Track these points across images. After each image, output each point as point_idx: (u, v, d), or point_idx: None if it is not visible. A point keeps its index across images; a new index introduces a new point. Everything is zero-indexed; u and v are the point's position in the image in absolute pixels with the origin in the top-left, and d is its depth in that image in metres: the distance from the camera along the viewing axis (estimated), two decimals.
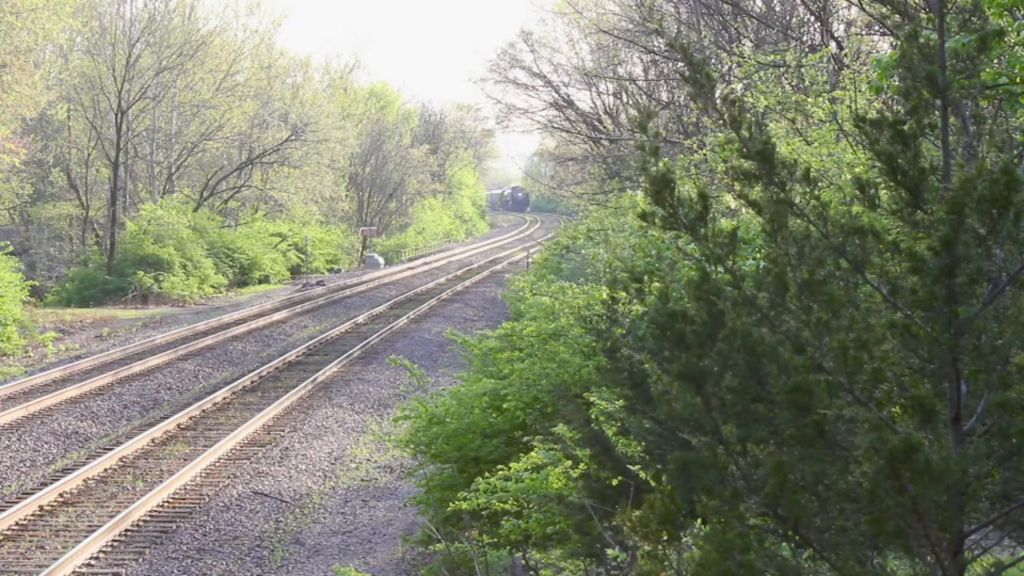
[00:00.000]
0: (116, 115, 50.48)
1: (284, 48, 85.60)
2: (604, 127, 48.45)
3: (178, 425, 21.59)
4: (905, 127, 4.00)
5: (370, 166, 79.56)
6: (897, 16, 4.69)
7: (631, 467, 6.77)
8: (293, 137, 60.80)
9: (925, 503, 4.03)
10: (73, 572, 13.80)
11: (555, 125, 54.15)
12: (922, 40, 4.09)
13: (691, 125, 30.19)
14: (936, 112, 4.12)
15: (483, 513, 10.77)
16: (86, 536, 14.86)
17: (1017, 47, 7.73)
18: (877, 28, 19.53)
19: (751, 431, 4.45)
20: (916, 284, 3.99)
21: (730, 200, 10.87)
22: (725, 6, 27.91)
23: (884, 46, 19.87)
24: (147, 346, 30.46)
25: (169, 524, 15.98)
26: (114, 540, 15.03)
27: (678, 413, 4.52)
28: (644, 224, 4.67)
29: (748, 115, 4.31)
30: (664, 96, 39.69)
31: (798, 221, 4.30)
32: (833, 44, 22.64)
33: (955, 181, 3.85)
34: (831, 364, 4.23)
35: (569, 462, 8.76)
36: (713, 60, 26.50)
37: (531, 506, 9.92)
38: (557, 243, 38.41)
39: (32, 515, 15.96)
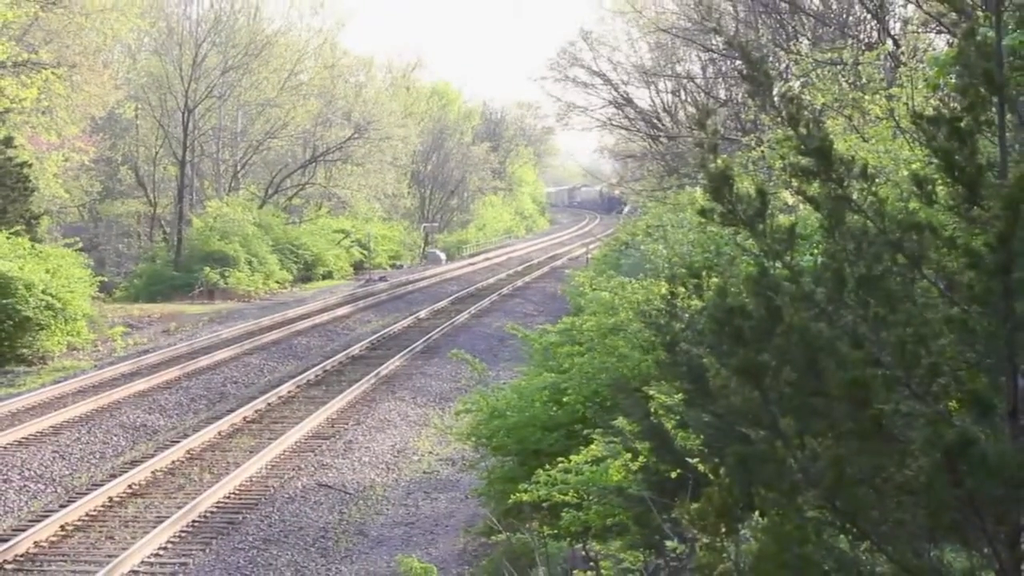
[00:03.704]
0: (183, 114, 51.14)
1: (347, 48, 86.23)
2: (662, 124, 48.33)
3: (244, 418, 21.89)
4: (962, 124, 4.02)
5: (432, 163, 79.87)
6: (954, 14, 4.71)
7: (690, 460, 6.81)
8: (356, 135, 61.24)
9: (981, 496, 4.05)
10: (142, 562, 14.05)
11: (614, 123, 54.09)
12: (979, 38, 4.12)
13: (749, 122, 30.03)
14: (993, 109, 4.14)
15: (544, 505, 10.85)
16: (154, 527, 15.10)
17: None
18: (933, 26, 19.36)
19: (809, 425, 4.48)
20: (973, 279, 4.01)
21: (788, 196, 10.86)
22: (783, 4, 27.81)
23: (940, 44, 19.67)
24: (213, 340, 30.87)
25: (235, 515, 16.22)
26: (182, 531, 15.27)
27: (736, 407, 4.57)
28: (703, 220, 4.73)
29: (806, 112, 4.35)
30: (722, 94, 39.54)
31: (856, 217, 4.33)
32: (890, 42, 22.44)
33: (1012, 177, 3.88)
34: (888, 359, 4.25)
35: (629, 455, 8.81)
36: (771, 58, 26.38)
37: (591, 498, 9.97)
38: (616, 239, 38.37)
39: (102, 506, 16.25)
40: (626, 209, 61.08)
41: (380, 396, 24.84)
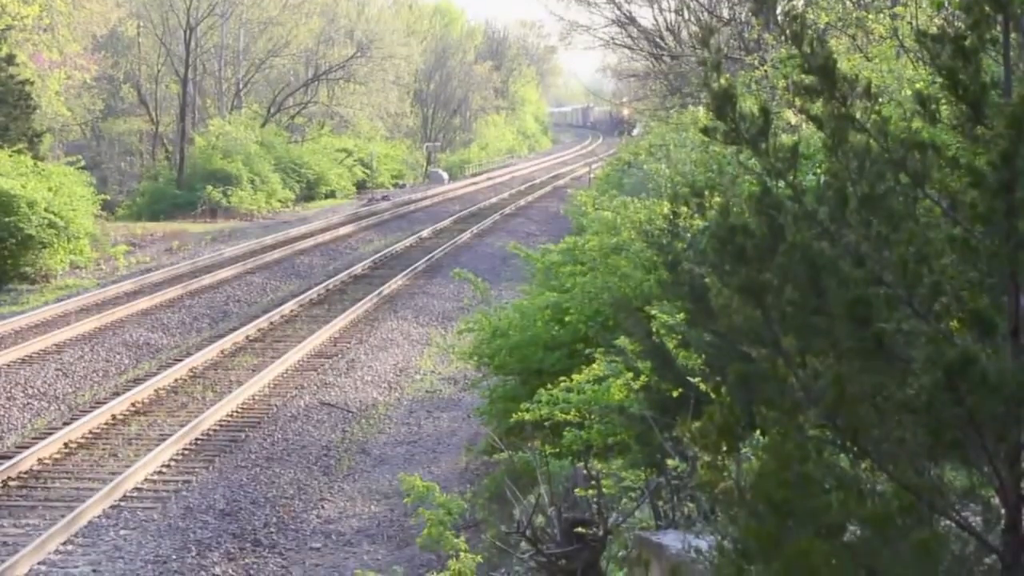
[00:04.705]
0: (185, 32, 50.72)
1: None
2: (665, 44, 47.88)
3: (247, 337, 21.99)
4: (966, 42, 3.98)
5: (434, 82, 79.36)
6: None
7: (691, 379, 6.86)
8: (359, 54, 60.80)
9: (982, 415, 4.07)
10: (145, 479, 14.18)
11: (617, 42, 53.57)
12: None
13: (752, 42, 29.73)
14: (998, 27, 4.09)
15: (545, 424, 10.92)
16: (158, 444, 15.22)
17: None
18: None
19: (811, 343, 4.49)
20: (976, 198, 4.00)
21: (791, 116, 10.80)
22: None
23: None
24: (216, 259, 30.90)
25: (238, 433, 16.36)
26: (185, 448, 15.41)
27: (738, 326, 4.58)
28: (706, 139, 4.72)
29: (809, 31, 4.31)
30: (725, 13, 39.09)
31: (859, 136, 4.31)
32: None
33: (1016, 96, 3.85)
34: (890, 278, 4.26)
35: (631, 374, 8.86)
36: None
37: (593, 417, 10.04)
38: (619, 159, 38.20)
39: (105, 424, 16.34)
40: (635, 130, 60.77)
41: (382, 315, 24.93)
